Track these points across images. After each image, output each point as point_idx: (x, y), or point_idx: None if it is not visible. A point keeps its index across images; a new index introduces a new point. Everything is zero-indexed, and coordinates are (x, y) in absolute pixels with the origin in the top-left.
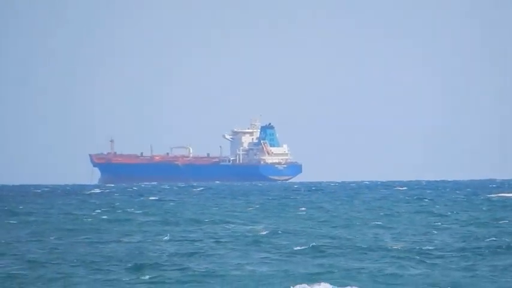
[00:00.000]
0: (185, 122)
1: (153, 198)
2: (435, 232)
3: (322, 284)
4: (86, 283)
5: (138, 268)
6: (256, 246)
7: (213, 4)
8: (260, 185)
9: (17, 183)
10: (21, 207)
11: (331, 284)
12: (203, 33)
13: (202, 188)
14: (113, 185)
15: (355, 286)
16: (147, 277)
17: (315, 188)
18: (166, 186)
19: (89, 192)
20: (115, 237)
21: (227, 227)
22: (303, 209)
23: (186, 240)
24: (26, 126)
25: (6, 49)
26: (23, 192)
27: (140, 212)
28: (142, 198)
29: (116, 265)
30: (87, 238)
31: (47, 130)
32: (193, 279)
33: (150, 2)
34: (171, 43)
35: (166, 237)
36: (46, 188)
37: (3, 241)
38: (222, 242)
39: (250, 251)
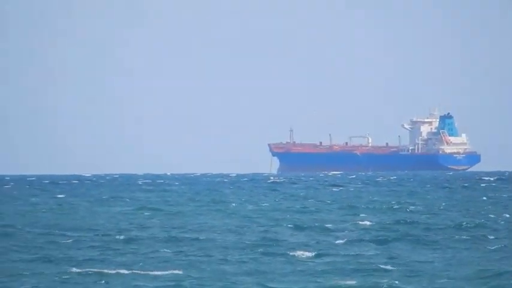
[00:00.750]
0: (364, 111)
1: (336, 188)
2: None
3: None
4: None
5: (317, 256)
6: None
7: None
8: (438, 174)
9: (199, 172)
10: (207, 192)
11: None
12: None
13: (382, 177)
14: (293, 174)
15: None
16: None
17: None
18: (352, 176)
19: (271, 181)
20: (306, 223)
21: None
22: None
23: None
24: (206, 116)
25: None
26: (209, 181)
27: (329, 201)
28: (328, 187)
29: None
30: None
31: (227, 119)
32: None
33: None
34: (349, 33)
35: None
36: (226, 177)
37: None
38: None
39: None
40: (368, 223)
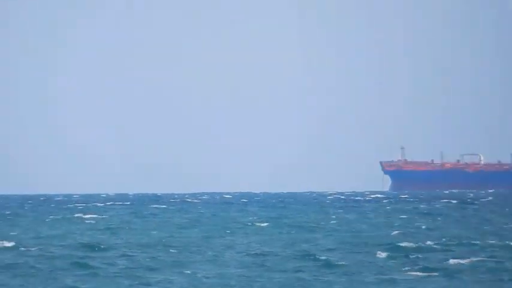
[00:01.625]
0: (476, 128)
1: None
2: None
3: None
4: None
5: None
6: None
7: None
8: None
9: (305, 190)
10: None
11: None
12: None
13: (497, 195)
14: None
15: None
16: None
17: None
18: (470, 194)
19: (388, 199)
20: (429, 240)
21: None
22: None
23: None
24: (317, 133)
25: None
26: (312, 198)
27: (441, 219)
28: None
29: None
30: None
31: (339, 137)
32: None
33: None
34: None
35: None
36: (341, 195)
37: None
38: None
39: None
40: (486, 242)
